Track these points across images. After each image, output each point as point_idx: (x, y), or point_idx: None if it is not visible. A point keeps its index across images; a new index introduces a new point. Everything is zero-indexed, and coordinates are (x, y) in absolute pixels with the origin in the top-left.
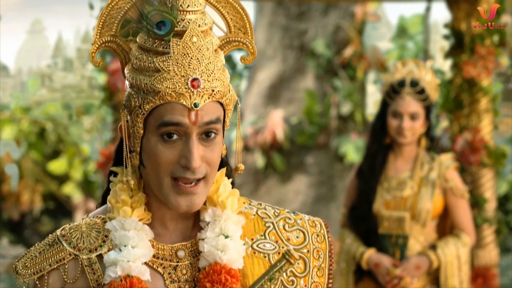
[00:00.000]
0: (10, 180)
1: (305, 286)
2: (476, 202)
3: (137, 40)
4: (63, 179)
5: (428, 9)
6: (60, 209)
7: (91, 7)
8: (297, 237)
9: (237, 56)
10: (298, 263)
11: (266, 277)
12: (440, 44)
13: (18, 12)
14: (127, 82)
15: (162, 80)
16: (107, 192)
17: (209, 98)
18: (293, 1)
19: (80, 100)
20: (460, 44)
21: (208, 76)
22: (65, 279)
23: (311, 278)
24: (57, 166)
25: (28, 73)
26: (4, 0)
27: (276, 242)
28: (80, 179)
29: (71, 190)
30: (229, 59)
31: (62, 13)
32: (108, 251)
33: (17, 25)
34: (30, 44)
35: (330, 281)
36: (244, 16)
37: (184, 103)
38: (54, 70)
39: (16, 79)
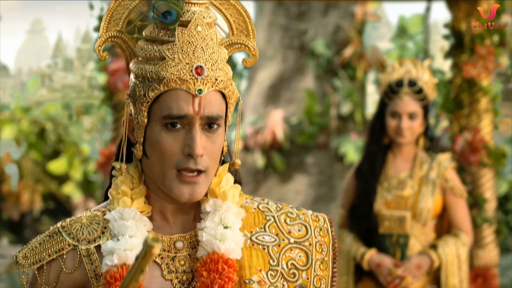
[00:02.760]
0: (10, 180)
1: (308, 279)
2: (476, 202)
3: (143, 33)
4: (63, 179)
5: (428, 9)
6: (60, 209)
7: (91, 7)
8: (298, 230)
9: (237, 56)
10: (299, 256)
11: (135, 270)
12: (440, 44)
13: (18, 12)
14: (132, 75)
15: (167, 67)
16: (109, 188)
17: (212, 86)
18: (293, 1)
19: (80, 100)
20: (460, 44)
21: (212, 65)
22: (63, 269)
23: (314, 271)
24: (57, 166)
25: (28, 73)
26: (4, 0)
27: (277, 235)
28: (80, 179)
29: (71, 190)
30: (229, 59)
31: (62, 13)
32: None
33: (17, 25)
34: (30, 44)
35: (335, 274)
36: (247, 19)
37: (188, 89)
38: (54, 70)
39: (16, 79)
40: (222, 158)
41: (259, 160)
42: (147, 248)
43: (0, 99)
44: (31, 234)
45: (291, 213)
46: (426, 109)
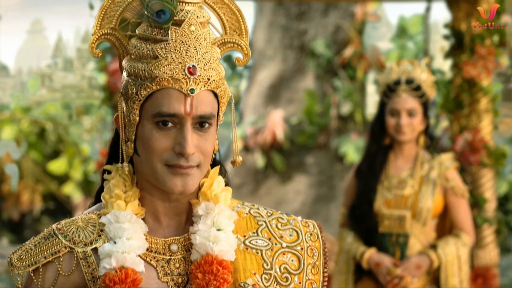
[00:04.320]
0: (10, 180)
1: (300, 283)
2: (476, 202)
3: (136, 31)
4: (63, 179)
5: (428, 9)
6: (60, 209)
7: (91, 7)
8: (290, 235)
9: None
10: (292, 260)
11: None
12: (440, 44)
13: (18, 12)
14: (124, 73)
15: (159, 66)
16: (100, 190)
17: (204, 86)
18: (293, 1)
19: (80, 100)
20: (460, 44)
21: (204, 64)
22: (60, 272)
23: (306, 275)
24: (57, 166)
25: (28, 73)
26: (4, 0)
27: (269, 239)
28: (80, 179)
29: (71, 190)
30: (229, 59)
31: (62, 13)
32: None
33: (17, 25)
34: (30, 44)
35: (326, 278)
36: (240, 18)
37: (181, 89)
38: (54, 70)
39: (16, 79)
40: (213, 156)
41: (259, 160)
42: None
43: (0, 99)
44: (31, 234)
45: (282, 218)
46: (425, 107)
